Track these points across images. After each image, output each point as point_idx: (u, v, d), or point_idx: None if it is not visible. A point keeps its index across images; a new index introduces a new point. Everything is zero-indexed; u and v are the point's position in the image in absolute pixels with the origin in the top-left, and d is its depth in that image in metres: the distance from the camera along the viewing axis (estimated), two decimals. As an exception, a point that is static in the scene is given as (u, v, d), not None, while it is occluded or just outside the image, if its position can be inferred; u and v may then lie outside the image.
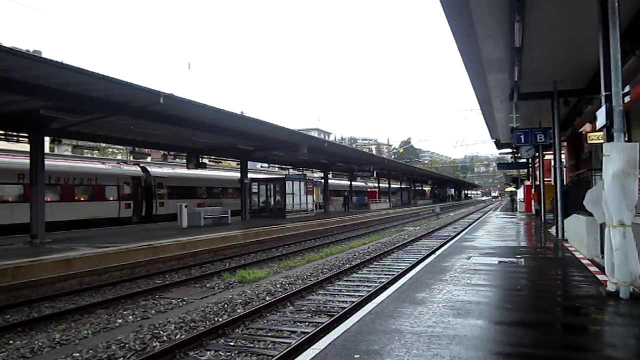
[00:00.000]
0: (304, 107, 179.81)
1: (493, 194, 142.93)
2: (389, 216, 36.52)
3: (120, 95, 11.72)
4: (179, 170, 27.22)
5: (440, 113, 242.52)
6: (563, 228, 12.83)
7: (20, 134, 14.56)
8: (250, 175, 26.94)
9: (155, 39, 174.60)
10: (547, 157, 20.66)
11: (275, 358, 5.37)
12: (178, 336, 6.52)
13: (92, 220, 20.61)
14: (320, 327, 6.48)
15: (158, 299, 9.14)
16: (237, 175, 25.84)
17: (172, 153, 25.93)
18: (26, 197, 16.06)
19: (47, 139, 17.80)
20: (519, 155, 25.52)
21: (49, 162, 15.67)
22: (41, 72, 9.72)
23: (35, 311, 8.36)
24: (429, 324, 4.88)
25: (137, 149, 21.50)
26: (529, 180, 30.45)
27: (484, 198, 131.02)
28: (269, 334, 6.63)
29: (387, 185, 51.60)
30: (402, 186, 61.80)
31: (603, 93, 6.47)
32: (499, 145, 28.24)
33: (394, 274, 10.57)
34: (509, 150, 30.40)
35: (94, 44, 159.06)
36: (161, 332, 6.69)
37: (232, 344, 6.25)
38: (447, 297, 6.09)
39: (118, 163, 25.63)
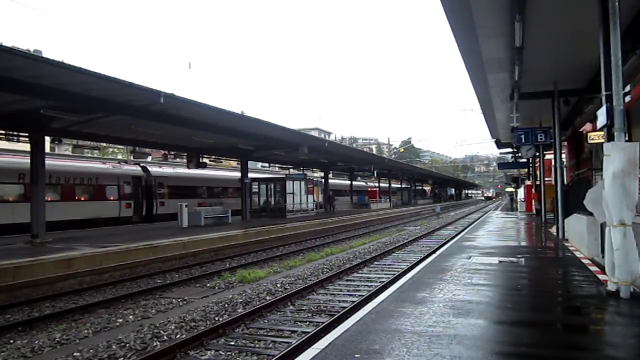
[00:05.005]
0: (304, 106, 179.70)
1: (487, 194, 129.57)
2: (389, 216, 36.50)
3: (121, 95, 11.72)
4: (180, 169, 27.20)
5: (441, 113, 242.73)
6: (563, 228, 12.82)
7: (21, 134, 14.58)
8: (250, 174, 26.94)
9: (155, 39, 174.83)
10: (547, 156, 20.61)
11: (275, 358, 5.37)
12: (178, 336, 6.53)
13: (92, 220, 20.60)
14: (321, 326, 6.48)
15: (158, 299, 9.15)
16: (238, 174, 25.83)
17: (172, 153, 25.97)
18: (27, 196, 16.07)
19: (47, 139, 17.85)
20: (520, 154, 25.52)
21: (49, 162, 15.65)
22: (42, 72, 9.72)
23: (35, 311, 8.37)
24: (429, 324, 4.88)
25: (137, 148, 21.50)
26: (529, 179, 30.43)
27: (484, 197, 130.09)
28: (270, 334, 6.64)
29: (387, 185, 51.56)
30: (403, 186, 61.80)
31: (603, 92, 6.47)
32: (500, 144, 28.21)
33: (394, 274, 10.57)
34: (510, 149, 30.37)
35: (94, 44, 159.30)
36: (162, 331, 6.69)
37: (232, 343, 6.26)
38: (447, 297, 6.10)
39: (118, 162, 25.59)
